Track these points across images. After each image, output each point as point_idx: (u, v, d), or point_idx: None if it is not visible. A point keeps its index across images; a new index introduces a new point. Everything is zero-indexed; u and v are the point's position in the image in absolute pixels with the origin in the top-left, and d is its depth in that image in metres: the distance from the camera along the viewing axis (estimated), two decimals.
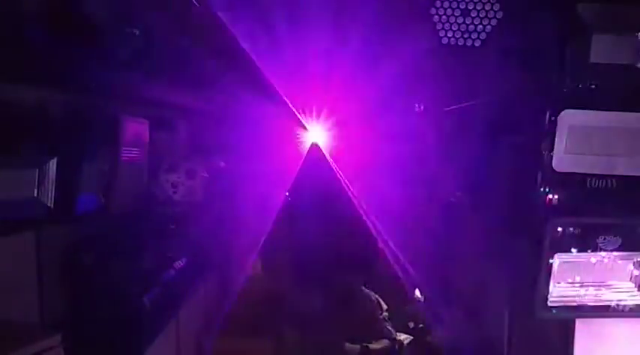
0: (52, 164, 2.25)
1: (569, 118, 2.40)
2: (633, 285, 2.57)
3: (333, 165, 5.72)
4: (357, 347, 3.98)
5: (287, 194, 5.83)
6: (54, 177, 2.25)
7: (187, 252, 3.69)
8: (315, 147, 5.89)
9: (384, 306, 4.32)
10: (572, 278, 2.55)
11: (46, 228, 2.43)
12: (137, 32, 2.78)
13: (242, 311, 4.71)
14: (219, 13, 3.30)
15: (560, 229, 2.47)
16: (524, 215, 2.74)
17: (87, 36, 2.39)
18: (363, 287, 4.37)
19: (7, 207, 2.07)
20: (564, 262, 2.52)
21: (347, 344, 3.99)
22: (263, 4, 3.31)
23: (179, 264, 3.55)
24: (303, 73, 4.49)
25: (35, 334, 2.10)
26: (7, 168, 2.05)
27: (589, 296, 2.56)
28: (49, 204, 2.25)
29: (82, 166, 2.51)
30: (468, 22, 2.65)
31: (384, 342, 4.05)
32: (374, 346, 4.02)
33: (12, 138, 2.08)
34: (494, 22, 2.62)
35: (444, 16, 2.66)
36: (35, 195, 2.20)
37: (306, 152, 6.01)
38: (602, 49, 2.39)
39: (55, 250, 2.57)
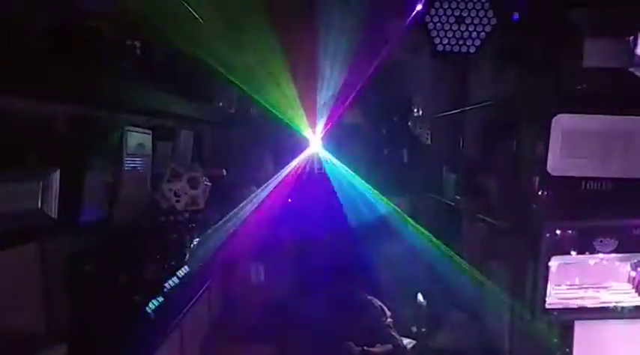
0: (56, 175, 2.28)
1: (563, 122, 2.43)
2: (630, 287, 2.58)
3: (333, 173, 5.75)
4: (359, 352, 3.98)
5: (289, 200, 5.85)
6: (57, 188, 2.27)
7: (190, 261, 3.71)
8: (315, 155, 5.92)
9: (388, 313, 4.32)
10: (570, 280, 2.57)
11: (50, 239, 2.44)
12: (138, 44, 2.83)
13: (245, 318, 4.72)
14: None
15: (556, 232, 2.49)
16: (521, 218, 2.77)
17: (89, 47, 2.43)
18: (366, 294, 4.37)
19: (11, 218, 2.08)
20: (562, 265, 2.54)
21: (349, 350, 3.98)
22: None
23: (182, 272, 3.57)
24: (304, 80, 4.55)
25: (40, 344, 2.12)
26: (10, 180, 2.07)
27: (587, 298, 2.57)
28: (52, 215, 2.27)
29: (85, 177, 2.53)
30: (462, 29, 2.68)
31: (387, 347, 4.05)
32: (376, 350, 4.02)
33: (15, 149, 2.10)
34: (488, 28, 2.65)
35: (438, 24, 2.69)
36: (39, 206, 2.21)
37: (307, 160, 6.04)
38: (595, 54, 2.42)
39: (59, 261, 2.58)
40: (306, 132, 5.59)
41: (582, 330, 2.64)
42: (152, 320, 2.95)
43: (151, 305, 2.98)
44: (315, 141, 5.73)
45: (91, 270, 2.66)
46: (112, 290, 2.75)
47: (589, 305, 2.57)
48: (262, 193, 5.25)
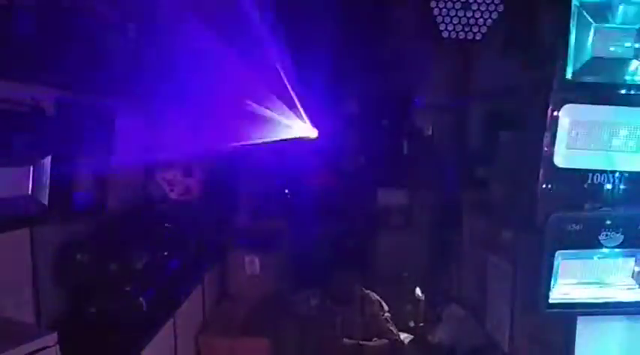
0: (47, 161, 2.23)
1: (571, 113, 2.37)
2: (635, 282, 2.54)
3: (331, 162, 5.69)
4: (356, 345, 3.94)
5: (286, 191, 5.79)
6: (49, 174, 2.23)
7: (184, 251, 3.65)
8: (313, 143, 5.85)
9: (386, 307, 4.28)
10: (574, 275, 2.52)
11: (41, 226, 2.40)
12: (132, 26, 2.76)
13: (240, 310, 4.67)
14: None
15: (561, 226, 2.44)
16: (525, 212, 2.72)
17: (81, 31, 2.37)
18: (364, 288, 4.32)
19: (2, 204, 2.04)
20: (566, 259, 2.49)
21: (345, 344, 3.95)
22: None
23: (175, 263, 3.51)
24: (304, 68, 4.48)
25: (30, 333, 2.07)
26: (1, 166, 2.02)
27: (591, 293, 2.53)
28: (43, 202, 2.23)
29: (77, 164, 2.48)
30: (468, 16, 2.63)
31: (384, 341, 4.01)
32: (373, 344, 3.99)
33: (6, 135, 2.05)
34: (495, 15, 2.60)
35: (444, 10, 2.63)
36: (30, 192, 2.17)
37: (304, 148, 5.97)
38: (603, 43, 2.36)
39: (50, 248, 2.54)
40: (301, 121, 5.51)
41: (585, 326, 2.60)
42: (144, 311, 2.90)
43: (143, 296, 2.93)
44: (309, 131, 5.64)
45: (83, 259, 2.62)
46: (104, 279, 2.70)
47: (592, 300, 2.53)
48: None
